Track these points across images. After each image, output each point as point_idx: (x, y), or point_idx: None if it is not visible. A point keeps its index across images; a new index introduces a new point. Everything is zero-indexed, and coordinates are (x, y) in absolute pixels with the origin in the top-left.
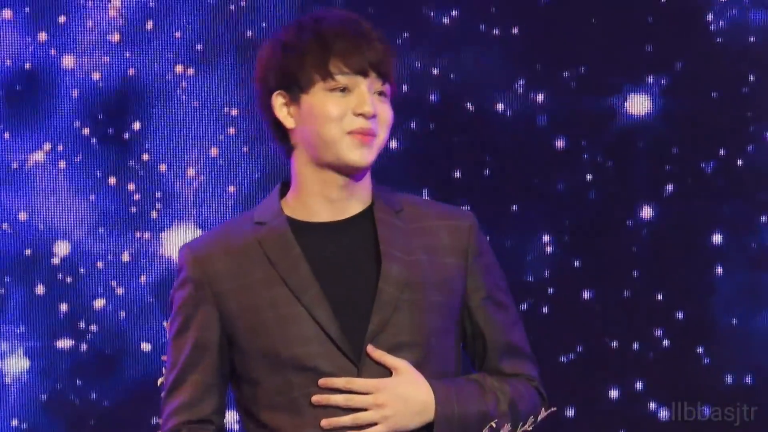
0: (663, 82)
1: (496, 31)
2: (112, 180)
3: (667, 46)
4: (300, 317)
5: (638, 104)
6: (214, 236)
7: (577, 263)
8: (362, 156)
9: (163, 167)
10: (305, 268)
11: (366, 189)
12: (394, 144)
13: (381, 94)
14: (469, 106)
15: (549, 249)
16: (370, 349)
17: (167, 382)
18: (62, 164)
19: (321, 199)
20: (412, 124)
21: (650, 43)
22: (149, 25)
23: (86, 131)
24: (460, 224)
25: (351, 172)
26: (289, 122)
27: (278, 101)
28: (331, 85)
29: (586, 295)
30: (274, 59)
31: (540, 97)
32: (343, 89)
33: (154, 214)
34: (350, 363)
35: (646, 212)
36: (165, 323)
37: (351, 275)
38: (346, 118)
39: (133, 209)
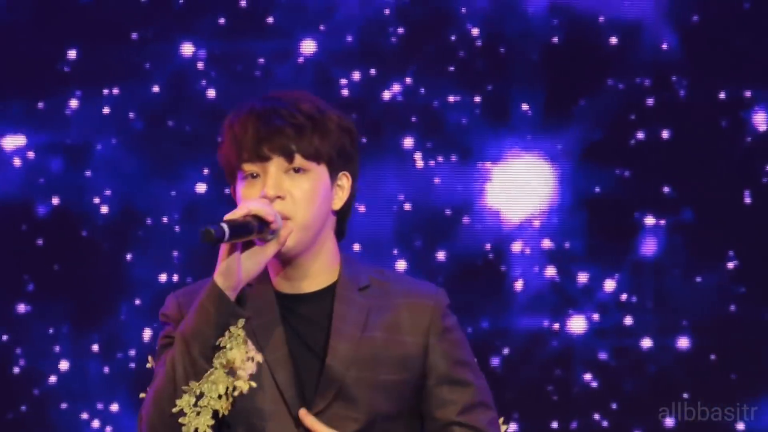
0: None
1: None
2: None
3: None
4: (261, 374)
5: None
6: (199, 283)
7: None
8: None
9: None
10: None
11: (324, 266)
12: None
13: (297, 171)
14: None
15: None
16: (303, 413)
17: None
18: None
19: (278, 276)
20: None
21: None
22: None
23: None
24: (424, 303)
25: (281, 257)
26: None
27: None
28: (244, 173)
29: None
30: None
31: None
32: (255, 175)
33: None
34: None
35: None
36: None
37: (304, 351)
38: None
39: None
